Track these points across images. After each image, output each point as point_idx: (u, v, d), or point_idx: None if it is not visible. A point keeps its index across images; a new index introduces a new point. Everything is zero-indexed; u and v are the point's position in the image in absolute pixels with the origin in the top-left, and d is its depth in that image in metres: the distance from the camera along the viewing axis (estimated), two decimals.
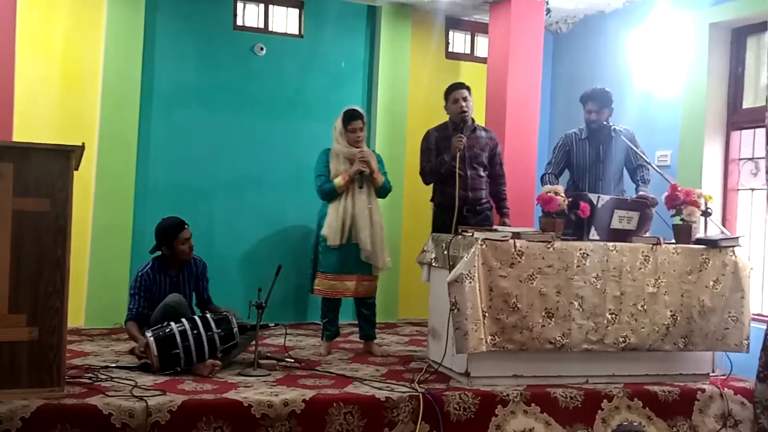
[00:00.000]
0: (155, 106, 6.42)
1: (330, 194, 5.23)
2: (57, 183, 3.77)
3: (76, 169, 3.88)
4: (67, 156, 3.80)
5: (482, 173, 5.37)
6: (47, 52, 6.06)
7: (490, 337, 4.38)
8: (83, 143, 3.88)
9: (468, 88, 5.37)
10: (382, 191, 5.40)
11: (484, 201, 5.40)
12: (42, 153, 3.80)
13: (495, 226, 4.81)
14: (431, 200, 5.49)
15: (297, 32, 6.97)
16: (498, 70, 6.71)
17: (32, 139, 5.06)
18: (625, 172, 5.58)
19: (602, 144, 5.47)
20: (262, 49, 6.75)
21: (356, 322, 5.55)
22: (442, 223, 5.21)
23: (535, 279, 4.48)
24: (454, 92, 5.33)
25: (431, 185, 5.51)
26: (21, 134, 5.45)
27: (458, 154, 5.15)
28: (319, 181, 5.28)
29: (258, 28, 6.84)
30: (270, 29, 6.88)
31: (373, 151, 5.45)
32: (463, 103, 5.27)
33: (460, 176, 5.15)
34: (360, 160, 5.21)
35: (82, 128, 6.02)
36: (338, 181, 5.20)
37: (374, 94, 7.11)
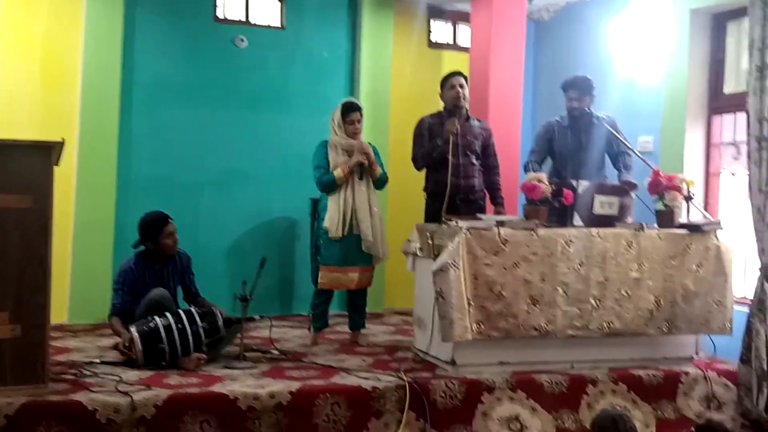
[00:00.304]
0: (136, 100, 6.38)
1: (329, 186, 5.22)
2: (38, 179, 3.74)
3: (57, 164, 3.86)
4: (48, 152, 3.77)
5: (475, 161, 5.34)
6: (27, 49, 6.00)
7: (475, 325, 4.39)
8: (63, 139, 3.84)
9: (465, 77, 5.37)
10: (380, 182, 5.40)
11: (477, 189, 5.36)
12: (22, 149, 3.77)
13: (479, 215, 4.81)
14: (424, 189, 5.46)
15: (278, 24, 6.94)
16: (480, 59, 6.70)
17: (13, 136, 5.00)
18: (607, 159, 5.60)
19: (584, 131, 5.49)
20: (243, 40, 6.72)
21: (342, 312, 5.55)
22: (435, 211, 5.10)
23: (519, 267, 4.49)
24: (451, 79, 5.32)
25: (424, 175, 5.46)
26: (1, 132, 5.39)
27: (451, 139, 5.11)
28: (318, 172, 5.26)
29: (239, 20, 6.80)
30: (251, 21, 6.85)
31: (369, 142, 5.44)
32: (459, 90, 5.26)
33: (453, 163, 5.10)
34: (360, 152, 5.21)
35: (63, 124, 5.97)
36: (338, 172, 5.19)
37: (357, 85, 7.09)
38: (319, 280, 5.26)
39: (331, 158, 5.25)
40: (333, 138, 5.31)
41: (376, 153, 5.38)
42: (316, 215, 5.40)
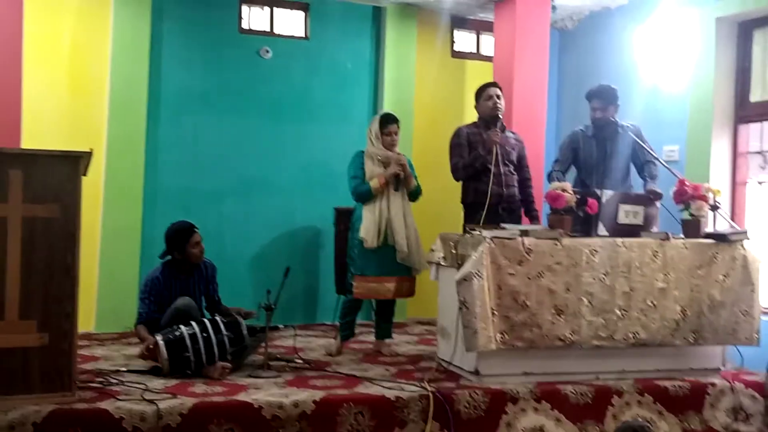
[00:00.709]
0: (162, 110, 6.45)
1: (365, 196, 5.23)
2: (66, 189, 3.78)
3: (85, 174, 3.90)
4: (76, 162, 3.81)
5: (513, 171, 5.36)
6: (54, 58, 6.10)
7: (499, 335, 4.37)
8: (91, 149, 3.89)
9: (500, 88, 5.38)
10: (414, 195, 5.41)
11: (517, 199, 5.38)
12: (50, 159, 3.81)
13: (503, 224, 4.80)
14: (462, 201, 5.44)
15: (303, 34, 6.99)
16: (504, 69, 6.70)
17: (40, 145, 5.10)
18: (632, 168, 5.57)
19: (608, 141, 5.46)
20: (268, 51, 6.77)
21: (366, 322, 5.55)
22: (477, 221, 5.10)
23: (543, 276, 4.47)
24: (488, 89, 5.33)
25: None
26: (29, 141, 5.49)
27: (495, 149, 5.12)
28: (354, 182, 5.28)
29: (264, 31, 6.86)
30: (276, 32, 6.90)
31: (408, 161, 5.46)
32: (497, 101, 5.26)
33: (494, 173, 5.12)
34: (396, 163, 5.23)
35: (90, 133, 6.06)
36: (374, 183, 5.20)
37: (380, 95, 7.12)
38: (354, 290, 5.25)
39: (367, 168, 5.27)
40: (370, 148, 5.32)
41: (411, 166, 5.39)
42: (351, 225, 5.40)
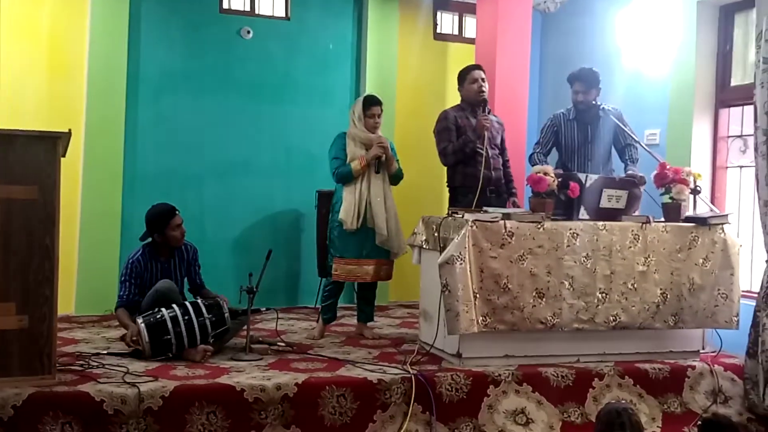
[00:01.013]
0: (142, 91, 6.38)
1: (346, 177, 5.21)
2: (44, 170, 3.74)
3: (63, 155, 3.85)
4: (54, 143, 3.77)
5: (498, 154, 5.39)
6: (32, 39, 6.00)
7: (481, 318, 4.39)
8: (70, 129, 3.85)
9: (484, 70, 5.38)
10: (396, 178, 5.40)
11: (503, 182, 5.42)
12: (28, 140, 3.76)
13: (485, 207, 4.81)
14: (449, 185, 5.44)
15: (284, 15, 6.93)
16: (486, 51, 6.68)
17: (18, 126, 4.99)
18: (613, 151, 5.58)
19: (590, 124, 5.47)
20: (249, 32, 6.71)
21: (349, 305, 5.56)
22: (467, 204, 5.10)
23: (525, 259, 4.49)
24: (472, 72, 5.32)
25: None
26: (7, 122, 5.38)
27: (484, 134, 5.13)
28: (336, 163, 5.25)
29: (244, 11, 6.79)
30: (256, 12, 6.83)
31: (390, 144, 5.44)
32: (482, 84, 5.26)
33: (485, 156, 5.13)
34: (378, 145, 5.20)
35: (69, 115, 5.98)
36: (355, 164, 5.18)
37: (362, 77, 7.08)
38: (333, 272, 5.26)
39: (349, 150, 5.24)
40: (352, 130, 5.30)
41: (393, 149, 5.37)
42: (331, 207, 5.39)
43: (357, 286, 5.49)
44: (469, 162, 5.19)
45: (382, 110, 5.34)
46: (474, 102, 5.29)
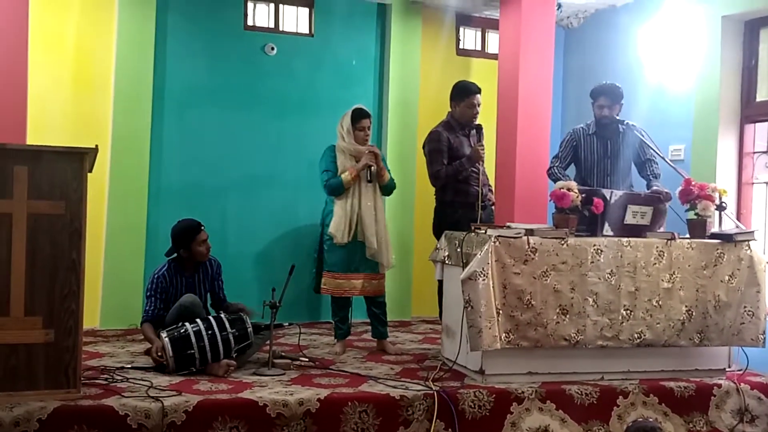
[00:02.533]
0: (167, 106, 6.44)
1: (337, 189, 5.22)
2: (71, 185, 3.78)
3: (90, 171, 3.89)
4: (81, 158, 3.81)
5: (483, 170, 5.54)
6: (59, 54, 6.09)
7: (504, 335, 4.37)
8: (97, 145, 3.89)
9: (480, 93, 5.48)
10: (387, 189, 5.41)
11: (487, 197, 5.57)
12: (56, 156, 3.81)
13: (508, 223, 4.80)
14: (436, 197, 5.49)
15: (307, 31, 6.98)
16: (509, 67, 6.67)
17: (46, 141, 5.10)
18: (633, 167, 5.55)
19: (610, 139, 5.46)
20: (273, 48, 6.76)
21: (367, 321, 5.55)
22: (455, 221, 5.21)
23: (549, 275, 4.46)
24: (471, 97, 5.41)
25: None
26: (34, 137, 5.46)
27: (480, 163, 5.32)
28: (326, 176, 5.27)
29: (268, 27, 6.84)
30: (280, 29, 6.89)
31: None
32: (478, 109, 5.31)
33: (474, 174, 5.26)
34: (368, 154, 5.21)
35: (95, 130, 6.05)
36: (346, 176, 5.19)
37: (385, 92, 7.11)
38: (322, 286, 5.30)
39: (339, 163, 5.26)
40: (340, 143, 5.32)
41: (383, 160, 5.41)
42: (321, 222, 5.41)
43: (366, 302, 5.48)
44: (463, 179, 5.32)
45: (371, 122, 5.35)
46: (465, 124, 5.35)
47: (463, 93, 5.40)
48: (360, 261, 5.25)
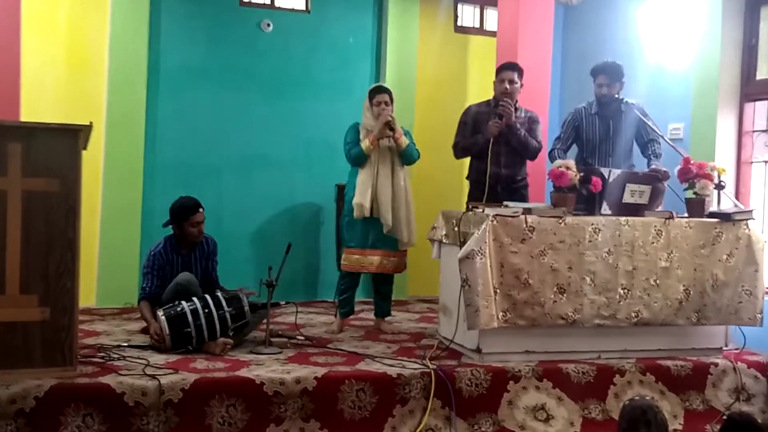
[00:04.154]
0: (162, 84, 6.40)
1: (359, 158, 5.21)
2: (66, 163, 3.75)
3: (85, 148, 3.87)
4: (75, 135, 3.78)
5: (515, 152, 5.28)
6: (52, 33, 6.03)
7: (501, 314, 4.36)
8: (91, 122, 3.85)
9: (519, 70, 5.26)
10: (408, 156, 5.33)
11: (519, 178, 5.33)
12: (50, 133, 3.79)
13: (506, 202, 4.77)
14: (467, 177, 5.45)
15: (304, 7, 6.91)
16: (508, 44, 6.62)
17: (40, 119, 5.03)
18: (635, 146, 5.52)
19: (612, 119, 5.41)
20: (269, 25, 6.70)
21: (367, 300, 5.55)
22: (475, 199, 5.12)
23: (546, 254, 4.45)
24: (502, 73, 5.26)
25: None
26: (29, 116, 5.42)
27: (490, 140, 5.09)
28: (348, 147, 5.28)
29: (264, 3, 6.78)
30: (276, 5, 6.82)
31: (406, 131, 5.42)
32: (507, 86, 5.18)
33: (494, 153, 5.08)
34: (383, 116, 5.16)
35: (90, 109, 6.00)
36: (365, 143, 5.18)
37: (383, 70, 7.06)
38: (342, 263, 5.29)
39: (362, 136, 5.25)
40: (363, 120, 5.33)
41: (409, 135, 5.35)
42: (344, 195, 5.39)
43: (372, 280, 5.47)
44: (482, 158, 5.15)
45: (392, 98, 5.30)
46: (498, 100, 5.23)
47: (498, 70, 5.34)
48: (377, 237, 5.22)
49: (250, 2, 6.73)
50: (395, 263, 5.32)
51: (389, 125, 5.17)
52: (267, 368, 4.08)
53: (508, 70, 5.26)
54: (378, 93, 5.29)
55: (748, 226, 4.79)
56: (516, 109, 5.24)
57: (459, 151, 5.36)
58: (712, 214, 4.84)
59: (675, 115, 6.04)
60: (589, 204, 4.75)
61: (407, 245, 5.35)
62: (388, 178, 5.24)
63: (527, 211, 4.48)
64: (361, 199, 5.15)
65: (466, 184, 5.48)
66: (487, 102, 5.36)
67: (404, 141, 5.29)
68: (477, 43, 7.42)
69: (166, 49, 6.40)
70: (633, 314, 4.60)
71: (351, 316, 5.48)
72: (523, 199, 5.30)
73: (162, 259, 4.83)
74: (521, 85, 5.28)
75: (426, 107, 7.11)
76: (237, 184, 6.64)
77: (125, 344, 4.54)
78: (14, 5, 5.26)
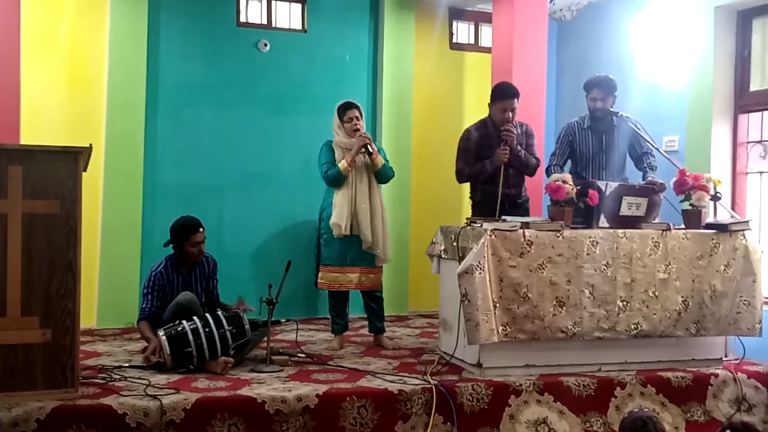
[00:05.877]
0: (161, 104, 6.43)
1: (336, 179, 5.24)
2: (66, 184, 3.78)
3: (85, 170, 3.89)
4: (75, 157, 3.81)
5: (518, 170, 5.32)
6: (52, 53, 6.07)
7: (501, 328, 4.37)
8: (91, 144, 3.88)
9: (518, 95, 5.20)
10: (382, 175, 5.39)
11: (522, 195, 5.39)
12: (50, 155, 3.81)
13: (504, 216, 4.80)
14: (471, 198, 5.45)
15: (300, 27, 6.96)
16: (503, 60, 6.67)
17: (40, 141, 5.10)
18: (628, 160, 5.55)
19: (605, 132, 5.44)
20: (266, 45, 6.74)
21: (364, 316, 5.56)
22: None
23: (545, 268, 4.47)
24: (504, 102, 5.16)
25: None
26: (28, 137, 5.47)
27: (500, 167, 5.11)
28: (325, 167, 5.30)
29: (261, 24, 6.83)
30: (273, 25, 6.87)
31: (379, 147, 5.46)
32: (510, 114, 5.17)
33: (503, 176, 5.11)
34: (359, 137, 5.21)
35: (90, 128, 6.03)
36: (342, 164, 5.22)
37: (379, 87, 7.10)
38: (319, 280, 5.32)
39: (337, 155, 5.29)
40: (335, 139, 5.37)
41: (381, 151, 5.40)
42: (319, 216, 5.43)
43: (363, 297, 5.48)
44: (489, 181, 5.17)
45: (361, 114, 5.35)
46: (498, 126, 5.21)
47: (497, 96, 5.23)
48: (356, 254, 5.26)
49: (247, 23, 6.78)
50: (372, 280, 5.35)
51: (366, 149, 5.22)
52: (268, 386, 4.09)
53: (509, 98, 5.17)
54: (348, 109, 5.33)
55: (745, 237, 4.81)
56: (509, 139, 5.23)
57: (465, 178, 5.34)
58: (709, 225, 4.87)
59: (670, 127, 6.09)
60: (586, 217, 4.77)
61: (384, 261, 5.40)
62: (366, 195, 5.29)
63: (525, 226, 4.51)
64: (337, 219, 5.20)
65: (464, 198, 5.49)
66: (484, 122, 5.32)
67: (380, 161, 5.33)
68: (472, 60, 7.48)
69: (165, 69, 6.44)
70: (632, 326, 4.62)
71: (351, 332, 5.48)
72: (527, 214, 5.35)
73: (163, 279, 4.84)
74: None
75: (422, 123, 7.15)
76: (237, 202, 6.65)
77: (126, 365, 4.54)
78: (14, 27, 5.30)
